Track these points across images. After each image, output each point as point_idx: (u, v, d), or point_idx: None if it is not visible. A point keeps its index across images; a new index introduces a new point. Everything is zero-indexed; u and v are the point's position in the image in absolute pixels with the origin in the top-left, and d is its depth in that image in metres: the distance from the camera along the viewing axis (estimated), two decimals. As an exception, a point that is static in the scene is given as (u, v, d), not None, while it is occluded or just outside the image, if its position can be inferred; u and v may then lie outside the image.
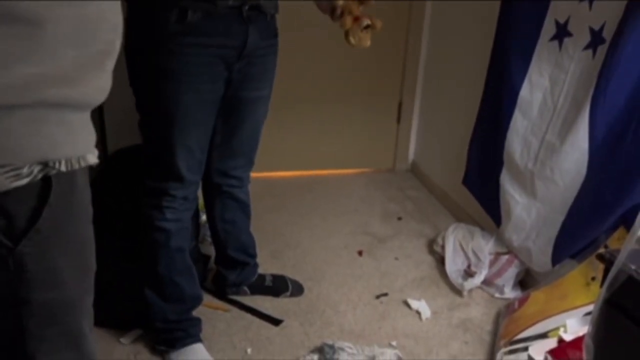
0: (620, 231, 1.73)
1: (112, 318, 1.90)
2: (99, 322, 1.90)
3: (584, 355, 1.16)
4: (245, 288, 2.12)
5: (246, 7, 1.53)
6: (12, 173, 0.72)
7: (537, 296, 1.93)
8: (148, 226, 1.71)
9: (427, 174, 3.13)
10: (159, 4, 1.48)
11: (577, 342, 1.54)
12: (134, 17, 1.55)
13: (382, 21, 1.53)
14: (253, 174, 1.97)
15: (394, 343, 1.94)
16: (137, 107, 1.62)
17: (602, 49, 1.76)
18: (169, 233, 1.71)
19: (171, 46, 1.50)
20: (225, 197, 1.92)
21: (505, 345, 1.80)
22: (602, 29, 1.76)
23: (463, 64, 2.68)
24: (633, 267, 1.04)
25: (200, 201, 1.88)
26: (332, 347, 1.84)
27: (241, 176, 1.90)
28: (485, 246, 2.26)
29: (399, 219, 2.78)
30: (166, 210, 1.68)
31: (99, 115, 2.06)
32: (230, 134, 1.77)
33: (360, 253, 2.47)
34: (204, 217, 2.35)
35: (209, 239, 2.33)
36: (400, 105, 3.18)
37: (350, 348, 1.85)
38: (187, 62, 1.51)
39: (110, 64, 0.79)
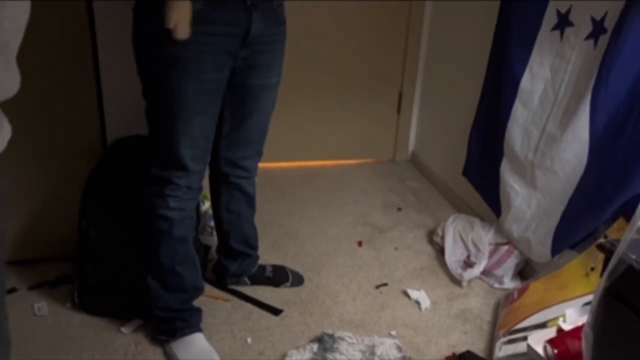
0: (620, 221, 1.74)
1: (113, 308, 1.91)
2: (100, 312, 1.94)
3: (584, 344, 1.17)
4: (246, 279, 2.12)
5: None
6: None
7: (537, 286, 1.93)
8: (151, 214, 1.71)
9: (427, 165, 3.13)
10: None
11: (576, 331, 1.54)
12: (140, 5, 1.55)
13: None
14: (253, 165, 1.96)
15: (393, 333, 1.95)
16: (143, 94, 1.63)
17: (603, 39, 1.75)
18: (172, 221, 1.71)
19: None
20: (232, 188, 1.91)
21: (505, 335, 1.80)
22: (603, 18, 1.75)
23: (464, 54, 2.67)
24: (633, 256, 1.04)
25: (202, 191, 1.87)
26: (331, 336, 1.85)
27: (249, 167, 1.89)
28: (485, 237, 2.26)
29: (399, 209, 2.78)
30: (169, 199, 1.68)
31: (98, 106, 2.05)
32: (238, 123, 1.76)
33: (360, 243, 2.47)
34: (204, 207, 2.36)
35: (209, 229, 2.33)
36: (400, 95, 3.17)
37: (350, 338, 1.85)
38: (190, 50, 1.50)
39: None
